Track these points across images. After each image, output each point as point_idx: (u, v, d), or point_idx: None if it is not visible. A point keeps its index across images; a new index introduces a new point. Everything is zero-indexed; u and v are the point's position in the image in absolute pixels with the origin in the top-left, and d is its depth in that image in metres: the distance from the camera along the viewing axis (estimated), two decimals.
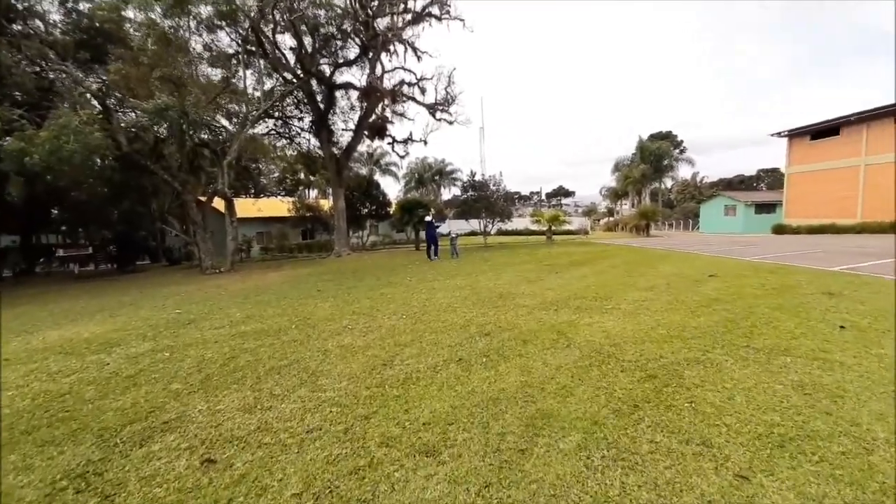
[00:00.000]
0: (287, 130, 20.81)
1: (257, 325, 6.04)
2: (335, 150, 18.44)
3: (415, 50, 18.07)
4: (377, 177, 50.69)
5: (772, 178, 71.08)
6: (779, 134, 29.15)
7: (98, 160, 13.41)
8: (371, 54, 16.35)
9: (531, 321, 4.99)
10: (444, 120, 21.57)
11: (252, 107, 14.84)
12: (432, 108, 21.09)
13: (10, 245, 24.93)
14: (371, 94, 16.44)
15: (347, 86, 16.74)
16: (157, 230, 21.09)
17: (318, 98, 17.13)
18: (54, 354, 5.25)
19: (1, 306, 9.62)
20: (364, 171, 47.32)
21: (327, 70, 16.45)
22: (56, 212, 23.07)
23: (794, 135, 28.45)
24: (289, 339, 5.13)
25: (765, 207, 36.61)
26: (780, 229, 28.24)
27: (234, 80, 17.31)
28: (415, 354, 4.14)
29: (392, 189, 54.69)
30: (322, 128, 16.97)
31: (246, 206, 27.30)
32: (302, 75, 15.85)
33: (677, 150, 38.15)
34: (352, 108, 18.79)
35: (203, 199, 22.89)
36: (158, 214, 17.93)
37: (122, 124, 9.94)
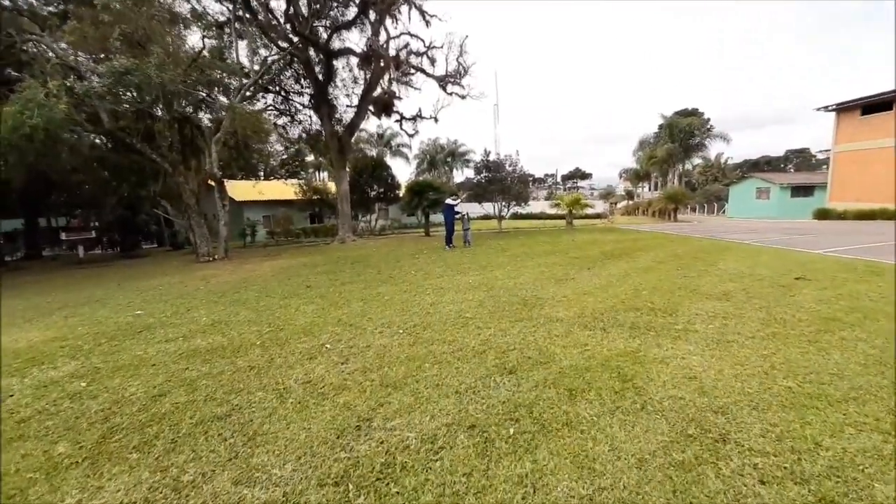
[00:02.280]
0: (287, 107, 19.36)
1: (218, 337, 4.79)
2: (337, 128, 16.93)
3: (422, 13, 16.22)
4: (388, 158, 49.31)
5: (800, 159, 66.52)
6: (826, 108, 26.37)
7: (80, 137, 12.35)
8: (372, 14, 14.58)
9: (573, 349, 3.58)
10: (456, 94, 19.79)
11: (242, 78, 13.40)
12: (443, 81, 19.30)
13: (20, 228, 24.56)
14: (372, 60, 14.75)
15: (346, 52, 15.05)
16: (159, 214, 20.09)
17: (317, 69, 15.55)
18: None
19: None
20: (373, 152, 45.85)
21: (325, 35, 14.74)
22: (63, 195, 22.41)
23: (843, 109, 25.65)
24: (245, 365, 3.85)
25: (802, 190, 34.07)
26: (823, 214, 25.91)
27: (226, 52, 15.92)
28: (406, 407, 2.79)
29: (404, 171, 53.24)
30: (322, 102, 15.44)
31: (251, 190, 26.25)
32: (297, 41, 14.24)
33: (706, 128, 35.04)
34: (354, 80, 17.16)
35: (203, 180, 21.84)
36: (154, 197, 16.87)
37: (76, 90, 8.64)
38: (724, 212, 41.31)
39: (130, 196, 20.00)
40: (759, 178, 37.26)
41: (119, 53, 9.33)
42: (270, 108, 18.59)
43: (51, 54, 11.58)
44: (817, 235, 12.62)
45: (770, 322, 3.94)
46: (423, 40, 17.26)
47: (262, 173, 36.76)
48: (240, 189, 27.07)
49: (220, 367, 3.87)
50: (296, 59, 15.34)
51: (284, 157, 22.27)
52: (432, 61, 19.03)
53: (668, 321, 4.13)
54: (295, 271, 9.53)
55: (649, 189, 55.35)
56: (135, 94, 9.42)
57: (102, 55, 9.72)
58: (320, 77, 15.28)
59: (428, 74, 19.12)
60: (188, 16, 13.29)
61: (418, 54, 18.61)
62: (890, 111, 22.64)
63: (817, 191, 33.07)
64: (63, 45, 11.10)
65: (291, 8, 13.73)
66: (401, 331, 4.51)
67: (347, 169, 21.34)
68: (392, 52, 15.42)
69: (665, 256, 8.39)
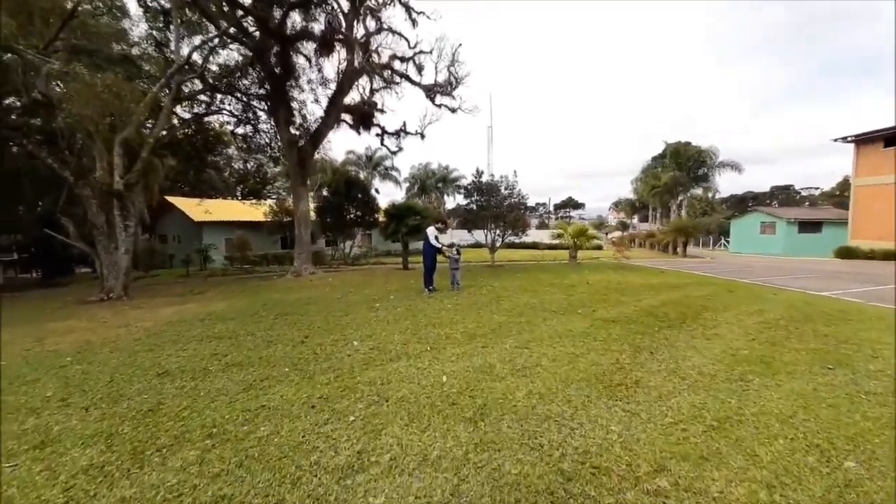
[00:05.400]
0: (248, 115, 16.45)
1: None
2: (298, 136, 13.97)
3: (408, 9, 13.75)
4: (376, 182, 46.69)
5: (784, 195, 66.51)
6: (844, 139, 24.49)
7: None
8: (345, 3, 11.86)
9: None
10: (446, 106, 17.27)
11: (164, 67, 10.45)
12: (431, 91, 16.77)
13: None
14: (335, 46, 11.98)
15: (304, 35, 12.22)
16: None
17: (273, 61, 12.69)
18: None
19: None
20: (362, 174, 43.21)
21: (278, 16, 11.82)
22: None
23: (863, 140, 23.79)
24: None
25: (810, 226, 32.06)
26: (847, 253, 23.48)
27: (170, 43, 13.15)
28: None
29: (395, 195, 50.60)
30: (279, 104, 12.53)
31: (216, 209, 23.00)
32: (240, 16, 11.27)
33: (715, 155, 32.75)
34: (323, 82, 14.41)
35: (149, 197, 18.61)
36: (60, 212, 13.49)
37: None
38: (721, 246, 39.08)
39: (53, 212, 16.65)
40: (764, 213, 35.31)
41: None
42: (226, 112, 15.66)
43: None
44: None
45: None
46: (407, 40, 14.76)
47: (238, 193, 33.54)
48: (201, 209, 23.79)
49: None
50: (243, 45, 12.51)
51: (244, 172, 19.13)
52: (419, 68, 16.57)
53: None
54: (183, 330, 6.21)
55: (643, 220, 53.54)
56: None
57: None
58: (277, 71, 12.44)
59: (413, 82, 16.59)
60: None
61: (403, 59, 16.11)
62: None
63: (826, 227, 31.22)
64: None
65: None
66: None
67: (316, 185, 18.43)
68: (372, 47, 12.65)
69: (761, 326, 5.31)
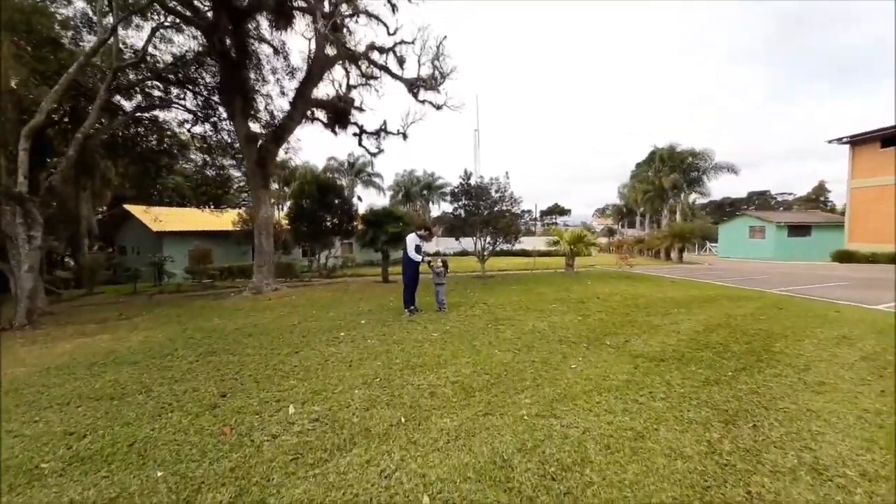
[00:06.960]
0: (206, 111, 14.54)
1: None
2: (261, 133, 12.16)
3: None
4: (359, 189, 44.89)
5: (760, 200, 67.35)
6: (839, 140, 23.95)
7: None
8: None
9: None
10: (430, 102, 15.72)
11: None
12: (413, 86, 15.23)
13: None
14: (293, 16, 10.25)
15: (258, 8, 10.35)
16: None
17: (228, 43, 10.86)
18: None
19: None
20: (344, 181, 41.30)
21: None
22: None
23: (859, 141, 23.26)
24: None
25: (799, 230, 31.66)
26: (845, 256, 22.75)
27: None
28: None
29: (378, 203, 48.81)
30: (233, 92, 10.74)
31: (176, 218, 20.88)
32: None
33: (710, 158, 31.81)
34: (290, 71, 12.70)
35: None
36: None
37: None
38: (708, 251, 38.35)
39: None
40: (753, 216, 34.86)
41: None
42: (178, 106, 13.70)
43: None
44: None
45: None
46: (386, 25, 13.22)
47: (210, 202, 31.21)
48: (160, 217, 21.60)
49: None
50: (192, 25, 10.73)
51: (202, 177, 17.11)
52: (401, 61, 15.03)
53: None
54: (56, 384, 4.32)
55: (631, 226, 53.10)
56: None
57: None
58: (232, 54, 10.65)
59: (395, 76, 15.01)
60: None
61: (382, 50, 14.55)
62: None
63: (815, 231, 30.93)
64: None
65: None
66: None
67: (290, 192, 16.59)
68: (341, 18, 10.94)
69: (871, 366, 3.74)
